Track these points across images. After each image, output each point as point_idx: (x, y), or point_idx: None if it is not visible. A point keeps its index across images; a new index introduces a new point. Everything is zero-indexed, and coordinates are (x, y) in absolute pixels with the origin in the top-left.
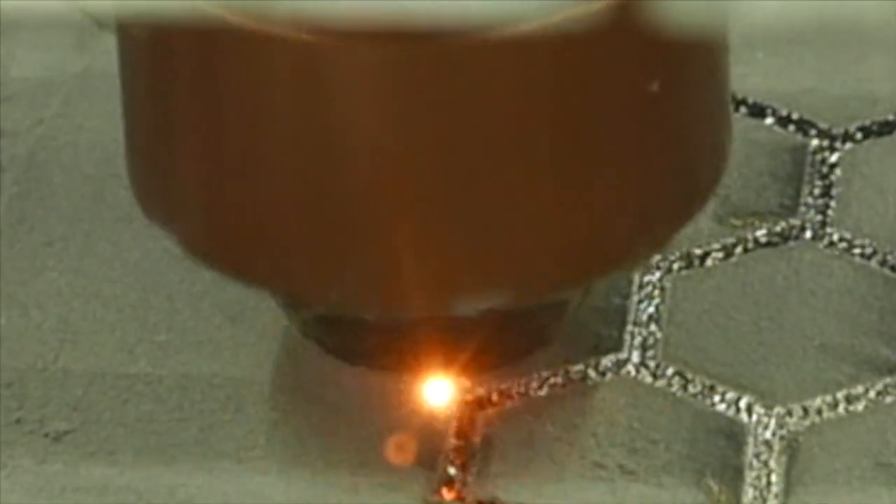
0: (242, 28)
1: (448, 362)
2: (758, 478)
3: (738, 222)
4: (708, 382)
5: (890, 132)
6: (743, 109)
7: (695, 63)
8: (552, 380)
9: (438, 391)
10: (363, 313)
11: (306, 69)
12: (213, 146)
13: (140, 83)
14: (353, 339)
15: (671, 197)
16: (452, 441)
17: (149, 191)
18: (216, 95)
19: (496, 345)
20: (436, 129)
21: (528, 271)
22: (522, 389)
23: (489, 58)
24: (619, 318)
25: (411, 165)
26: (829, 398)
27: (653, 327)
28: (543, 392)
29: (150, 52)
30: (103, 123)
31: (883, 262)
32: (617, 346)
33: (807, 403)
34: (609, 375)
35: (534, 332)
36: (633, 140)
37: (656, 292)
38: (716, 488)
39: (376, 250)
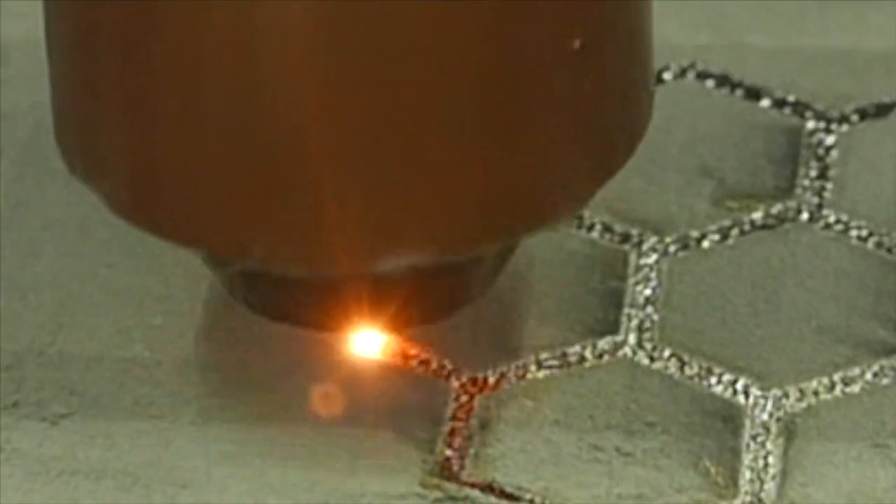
0: None
1: (373, 318)
2: (755, 460)
3: (734, 204)
4: (705, 365)
5: (886, 114)
6: (739, 92)
7: (616, 22)
8: (549, 362)
9: (365, 346)
10: (286, 270)
11: (229, 25)
12: (136, 103)
13: (64, 37)
14: (278, 295)
15: (591, 154)
16: (449, 423)
17: (73, 148)
18: (140, 50)
19: (421, 301)
20: (358, 86)
21: (449, 228)
22: (520, 372)
23: (410, 9)
24: (616, 300)
25: (333, 123)
26: (825, 380)
27: (649, 309)
28: (540, 374)
29: (74, 8)
30: None
31: (879, 244)
32: (614, 329)
33: (803, 385)
34: (606, 357)
35: (459, 288)
36: (553, 98)
37: (653, 274)
38: (713, 470)
39: (298, 207)
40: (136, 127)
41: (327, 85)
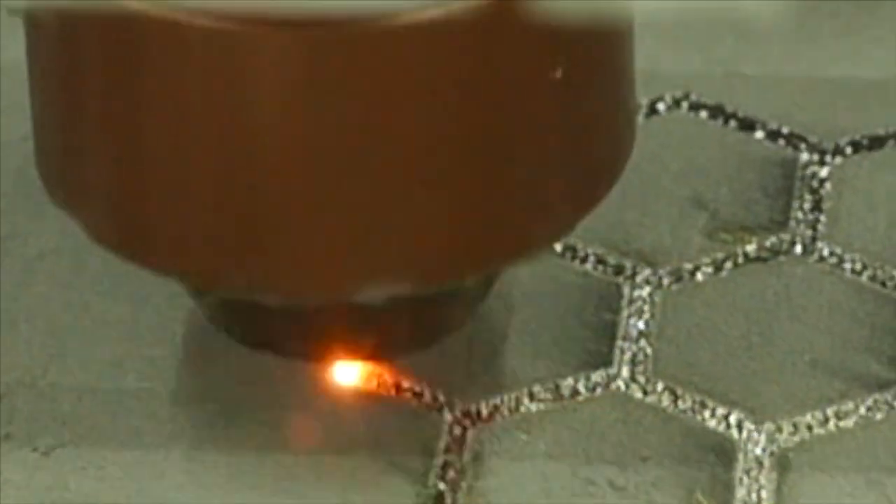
0: (150, 15)
1: (354, 348)
2: (748, 494)
3: (728, 237)
4: (698, 398)
5: (880, 146)
6: (733, 123)
7: (594, 54)
8: (542, 395)
9: (345, 376)
10: (266, 299)
11: (211, 58)
12: (119, 135)
13: (48, 69)
14: (260, 325)
15: (570, 186)
16: (443, 456)
17: (55, 177)
18: (123, 83)
19: (402, 331)
20: (338, 120)
21: (428, 260)
22: (513, 404)
23: (390, 46)
24: (610, 332)
25: (313, 156)
26: (819, 414)
27: (643, 342)
28: (534, 407)
29: (58, 39)
30: None
31: (873, 278)
32: (607, 362)
33: (797, 419)
34: (599, 391)
35: (440, 319)
36: (533, 129)
37: (646, 307)
38: None
39: (279, 238)
40: (119, 160)
41: (307, 126)
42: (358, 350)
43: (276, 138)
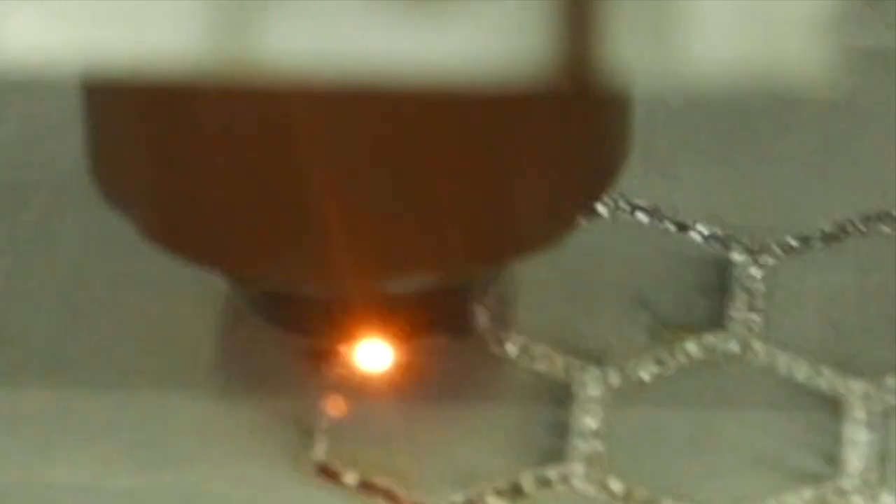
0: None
1: (383, 332)
2: None
3: (669, 336)
4: (648, 495)
5: (808, 247)
6: (670, 225)
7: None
8: (502, 492)
9: (371, 355)
10: (304, 291)
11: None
12: (164, 138)
13: (99, 84)
14: (296, 312)
15: (576, 187)
16: None
17: (108, 181)
18: (175, 108)
19: (425, 315)
20: (370, 132)
21: (450, 254)
22: (475, 501)
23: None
24: (564, 431)
25: (345, 163)
26: None
27: (594, 441)
28: (492, 503)
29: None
30: None
31: (806, 376)
32: (562, 459)
33: None
34: (555, 487)
35: (464, 299)
36: (542, 138)
37: (596, 406)
38: None
39: (313, 236)
40: (168, 165)
41: (337, 143)
42: (384, 333)
43: (310, 149)
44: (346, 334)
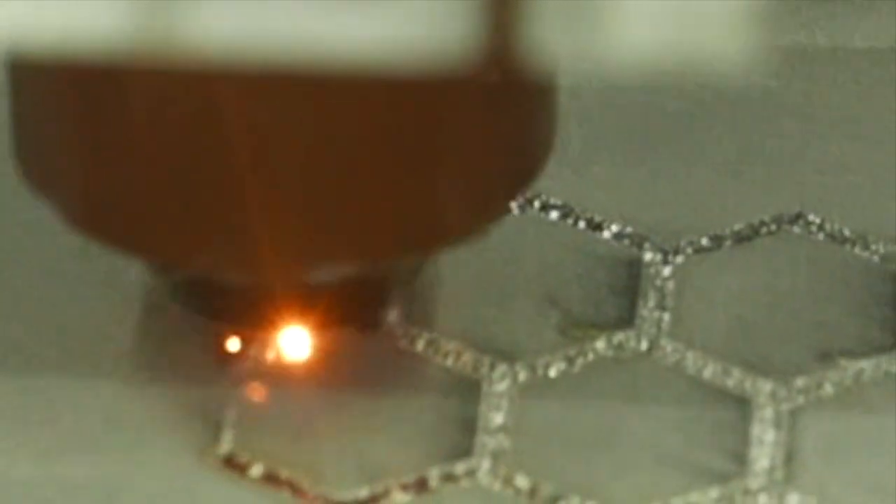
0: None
1: (304, 320)
2: None
3: (579, 334)
4: (554, 491)
5: (718, 247)
6: (581, 223)
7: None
8: (409, 486)
9: (288, 344)
10: (226, 278)
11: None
12: (87, 121)
13: (23, 66)
14: (216, 299)
15: (503, 177)
16: None
17: (29, 164)
18: (99, 91)
19: (348, 304)
20: (289, 117)
21: (373, 244)
22: (381, 495)
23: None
24: (471, 426)
25: (270, 151)
26: None
27: (501, 436)
28: (400, 499)
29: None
30: None
31: (714, 374)
32: (468, 454)
33: None
34: (462, 482)
35: (381, 292)
36: (468, 128)
37: (504, 402)
38: None
39: (239, 226)
40: (86, 149)
41: (261, 130)
42: (306, 321)
43: (234, 135)
44: (266, 323)
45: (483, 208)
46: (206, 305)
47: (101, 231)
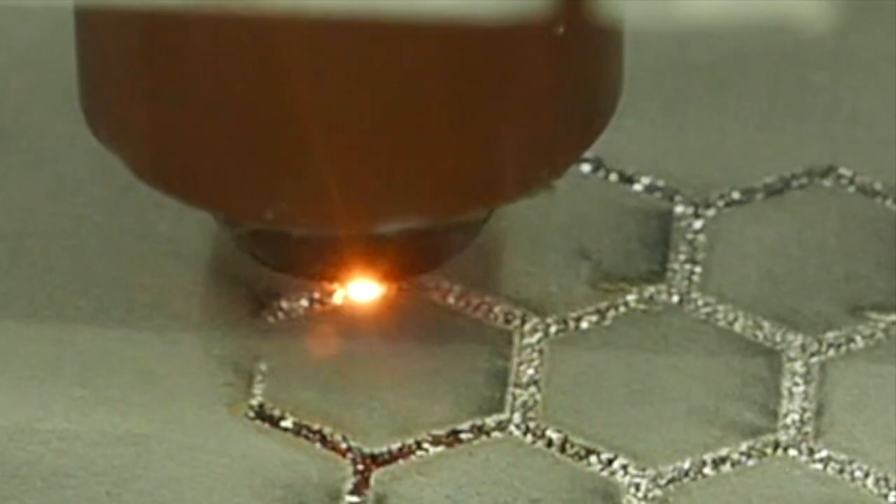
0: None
1: (371, 270)
2: None
3: (610, 287)
4: (584, 444)
5: (749, 200)
6: (613, 176)
7: (592, 13)
8: (440, 439)
9: (362, 293)
10: (294, 230)
11: (246, 26)
12: (161, 80)
13: (93, 16)
14: (284, 250)
15: (570, 129)
16: (347, 498)
17: (98, 115)
18: (167, 36)
19: (414, 255)
20: (361, 70)
21: (442, 196)
22: (413, 448)
23: (412, 33)
24: (502, 379)
25: (340, 102)
26: (696, 460)
27: (532, 389)
28: (432, 452)
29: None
30: None
31: (745, 328)
32: (500, 408)
33: (676, 465)
34: (492, 436)
35: (447, 244)
36: (537, 79)
37: (535, 355)
38: None
39: (307, 175)
40: (160, 101)
41: (334, 78)
42: (373, 272)
43: (302, 89)
44: (332, 273)
45: (551, 161)
46: (275, 255)
47: (169, 183)
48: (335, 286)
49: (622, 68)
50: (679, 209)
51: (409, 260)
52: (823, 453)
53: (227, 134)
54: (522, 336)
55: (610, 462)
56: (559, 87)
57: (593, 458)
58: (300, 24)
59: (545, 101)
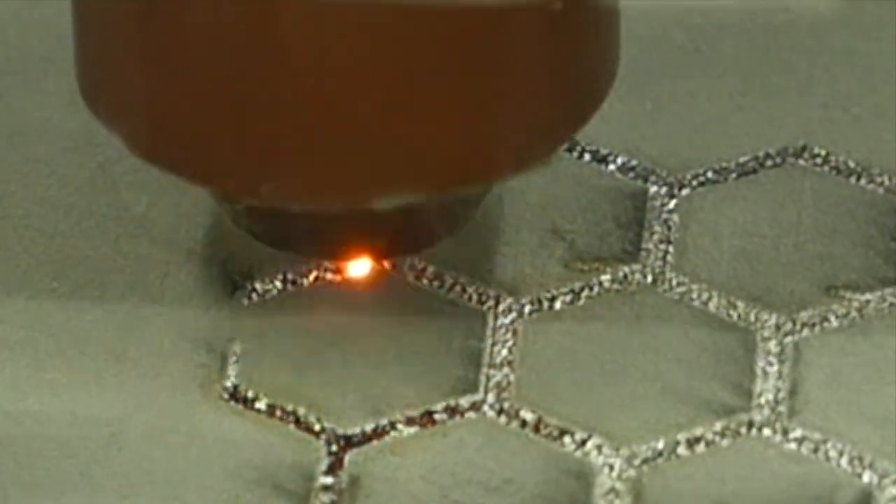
0: None
1: (367, 248)
2: None
3: (584, 267)
4: (558, 424)
5: (724, 180)
6: (587, 156)
7: None
8: (414, 420)
9: (359, 271)
10: (291, 206)
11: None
12: (152, 48)
13: None
14: (281, 227)
15: (568, 104)
16: (321, 479)
17: (95, 91)
18: (160, 8)
19: (408, 233)
20: (355, 44)
21: (438, 171)
22: (387, 429)
23: (409, 7)
24: (476, 360)
25: (337, 77)
26: (670, 440)
27: (506, 370)
28: (406, 432)
29: None
30: None
31: (719, 308)
32: (473, 388)
33: (650, 445)
34: (466, 416)
35: (444, 221)
36: (533, 55)
37: (509, 335)
38: None
39: (304, 151)
40: (151, 77)
41: (329, 43)
42: (370, 249)
43: (298, 63)
44: (331, 250)
45: (549, 136)
46: (272, 232)
47: (166, 159)
48: (322, 264)
49: (619, 43)
50: (653, 189)
51: (406, 238)
52: (797, 433)
53: (224, 110)
54: (496, 316)
55: (584, 442)
56: (557, 61)
57: (567, 439)
58: (293, 15)
59: (543, 75)
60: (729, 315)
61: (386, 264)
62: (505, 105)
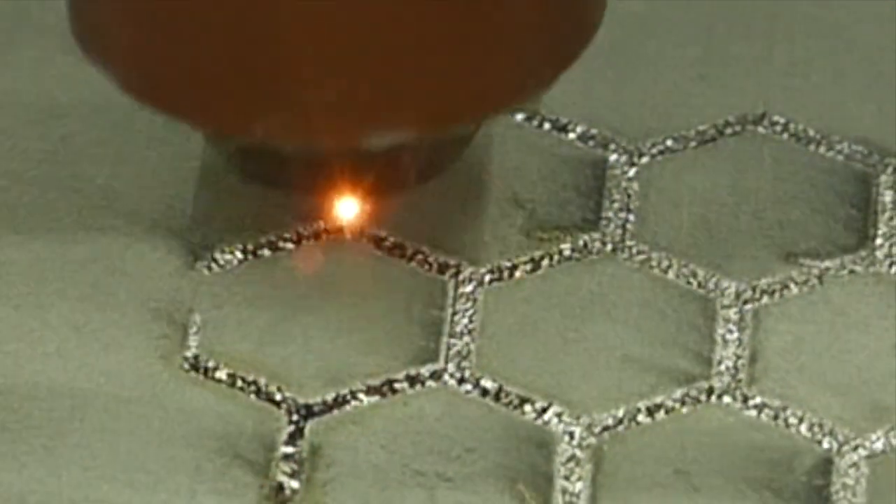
0: None
1: (357, 186)
2: (566, 484)
3: (544, 235)
4: (519, 392)
5: (683, 147)
6: (547, 125)
7: None
8: (374, 390)
9: (347, 209)
10: (283, 146)
11: None
12: None
13: None
14: (273, 167)
15: (557, 42)
16: (282, 449)
17: (87, 32)
18: None
19: (396, 172)
20: None
21: (430, 108)
22: (348, 399)
23: None
24: (437, 328)
25: (325, 15)
26: (631, 408)
27: (467, 338)
28: (366, 402)
29: None
30: None
31: (679, 275)
32: (434, 357)
33: (610, 413)
34: (427, 385)
35: (433, 161)
36: None
37: (470, 304)
38: (527, 494)
39: (295, 91)
40: (143, 17)
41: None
42: (361, 188)
43: (288, 8)
44: (323, 189)
45: (539, 72)
46: (261, 172)
47: (159, 99)
48: (282, 234)
49: None
50: (613, 157)
51: (397, 176)
52: (757, 400)
53: (216, 49)
54: (457, 286)
55: (544, 410)
56: (541, 5)
57: (528, 407)
58: None
59: (532, 10)
60: (689, 283)
61: (347, 232)
62: (495, 40)
